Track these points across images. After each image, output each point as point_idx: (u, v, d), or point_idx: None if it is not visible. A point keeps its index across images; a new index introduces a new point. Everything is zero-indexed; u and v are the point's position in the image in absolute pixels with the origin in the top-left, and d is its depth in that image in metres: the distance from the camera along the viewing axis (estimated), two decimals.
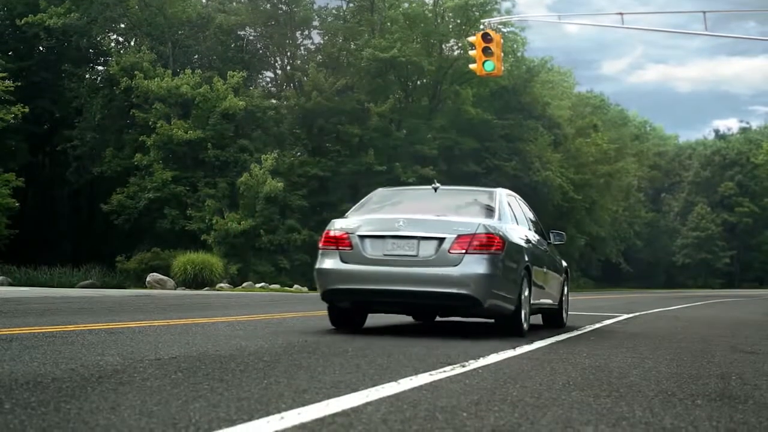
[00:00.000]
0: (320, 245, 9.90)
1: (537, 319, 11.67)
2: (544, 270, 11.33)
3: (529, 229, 11.25)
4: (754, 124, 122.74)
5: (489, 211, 10.12)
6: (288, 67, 54.24)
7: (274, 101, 49.63)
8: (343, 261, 9.49)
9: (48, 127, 50.09)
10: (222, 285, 37.35)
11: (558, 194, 55.38)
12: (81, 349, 6.67)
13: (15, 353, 6.20)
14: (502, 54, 27.81)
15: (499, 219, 9.95)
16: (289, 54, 54.46)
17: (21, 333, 8.01)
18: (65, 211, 50.40)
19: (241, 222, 40.92)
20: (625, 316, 17.27)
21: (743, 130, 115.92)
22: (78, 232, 49.09)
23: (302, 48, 54.81)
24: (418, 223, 9.44)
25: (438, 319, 12.30)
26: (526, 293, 10.03)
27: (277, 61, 55.80)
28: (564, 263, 13.19)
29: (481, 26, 49.53)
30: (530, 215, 11.95)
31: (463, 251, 9.10)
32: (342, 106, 47.77)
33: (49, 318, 10.85)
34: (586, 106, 71.81)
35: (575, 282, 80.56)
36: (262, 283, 39.09)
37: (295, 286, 39.86)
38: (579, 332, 11.09)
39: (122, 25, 50.56)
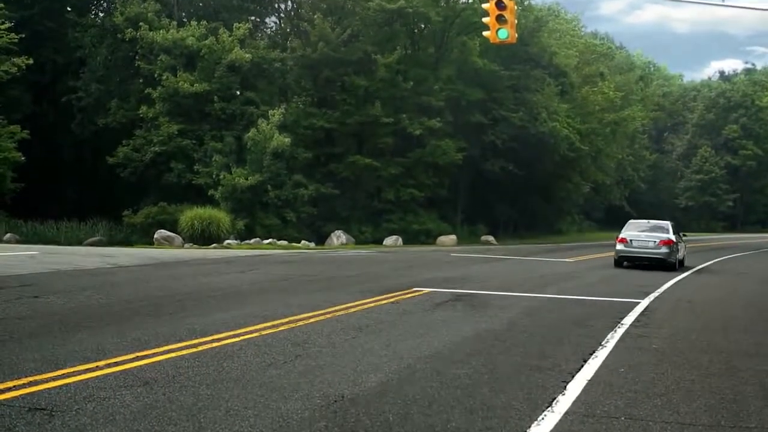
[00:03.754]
0: (617, 241, 30.03)
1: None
2: (681, 245, 30.94)
3: (676, 233, 30.62)
4: (757, 65, 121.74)
5: (667, 230, 30.28)
6: (292, 14, 53.56)
7: (279, 52, 48.98)
8: (625, 247, 29.57)
9: (51, 77, 49.66)
10: (229, 241, 37.37)
11: (564, 144, 55.01)
12: None
13: None
14: (516, 20, 27.41)
15: (671, 233, 30.03)
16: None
17: (58, 399, 7.94)
18: (70, 161, 50.16)
19: (248, 177, 40.80)
20: (641, 305, 17.32)
21: (748, 72, 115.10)
22: (83, 184, 48.95)
23: None
24: (649, 236, 29.72)
25: (635, 263, 29.52)
26: (677, 255, 29.91)
27: (281, 6, 55.14)
28: (684, 244, 32.71)
29: None
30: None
31: (663, 245, 29.13)
32: (348, 57, 47.26)
33: (74, 336, 10.79)
34: (592, 54, 70.93)
35: (578, 226, 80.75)
36: (270, 240, 39.10)
37: (303, 242, 39.91)
38: (621, 332, 11.11)
39: None
